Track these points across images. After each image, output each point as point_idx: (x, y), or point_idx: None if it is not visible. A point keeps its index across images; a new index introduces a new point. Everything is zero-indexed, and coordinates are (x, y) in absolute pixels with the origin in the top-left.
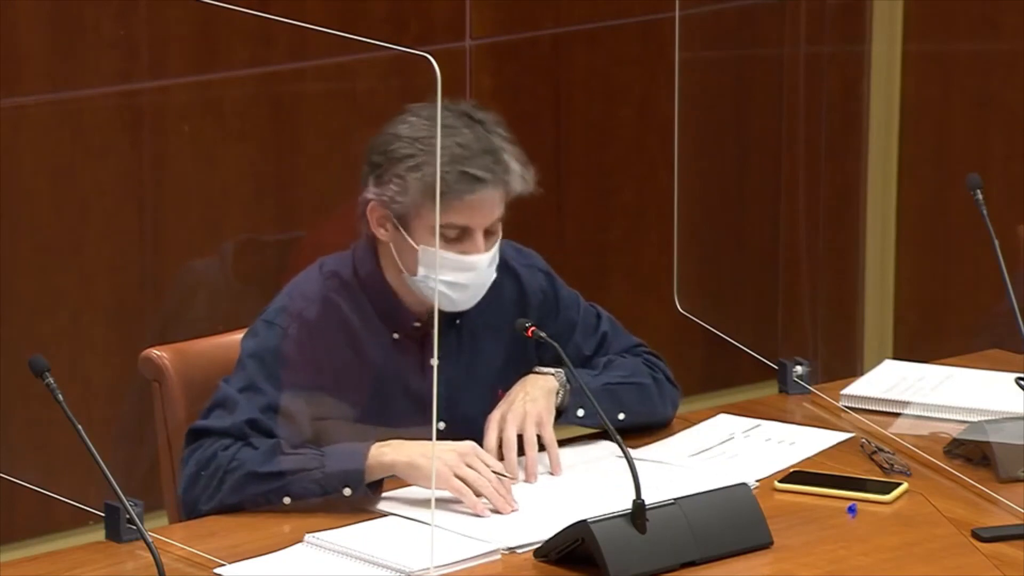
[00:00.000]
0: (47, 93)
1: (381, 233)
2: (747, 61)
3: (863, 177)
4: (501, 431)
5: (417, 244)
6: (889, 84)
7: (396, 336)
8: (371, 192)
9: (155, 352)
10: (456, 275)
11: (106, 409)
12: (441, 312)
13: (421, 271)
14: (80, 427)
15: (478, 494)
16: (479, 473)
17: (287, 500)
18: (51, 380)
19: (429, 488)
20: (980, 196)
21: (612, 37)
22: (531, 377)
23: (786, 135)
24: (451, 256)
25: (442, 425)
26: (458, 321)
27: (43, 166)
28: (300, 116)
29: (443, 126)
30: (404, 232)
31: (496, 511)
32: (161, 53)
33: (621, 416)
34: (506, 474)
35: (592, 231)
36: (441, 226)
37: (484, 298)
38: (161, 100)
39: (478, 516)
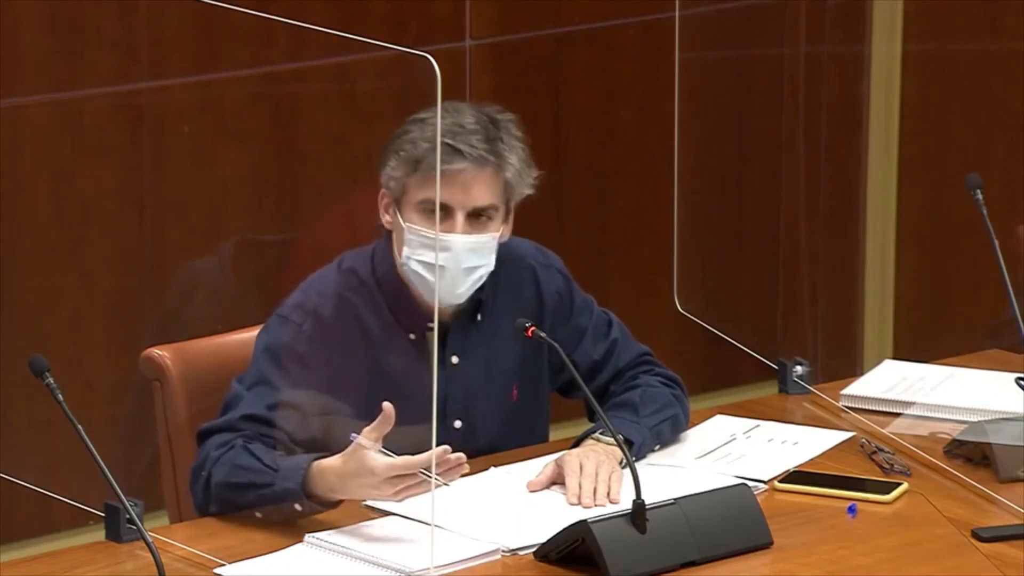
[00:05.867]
0: (47, 93)
1: (386, 220)
2: (747, 61)
3: (863, 177)
4: (581, 466)
5: (404, 223)
6: (889, 84)
7: (412, 336)
8: (380, 178)
9: (156, 351)
10: (430, 254)
11: (106, 409)
12: (461, 311)
13: (405, 251)
14: (80, 427)
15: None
16: (408, 480)
17: (258, 515)
18: (51, 380)
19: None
20: (980, 196)
21: (612, 37)
22: (600, 446)
23: (786, 135)
24: (426, 232)
25: (458, 423)
26: (478, 318)
27: (43, 166)
28: (300, 116)
29: (456, 112)
30: (398, 214)
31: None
32: (161, 53)
33: (657, 447)
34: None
35: (592, 231)
36: (420, 201)
37: (503, 296)
38: (161, 100)
39: (479, 519)
